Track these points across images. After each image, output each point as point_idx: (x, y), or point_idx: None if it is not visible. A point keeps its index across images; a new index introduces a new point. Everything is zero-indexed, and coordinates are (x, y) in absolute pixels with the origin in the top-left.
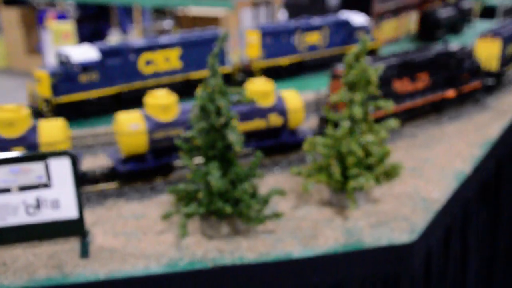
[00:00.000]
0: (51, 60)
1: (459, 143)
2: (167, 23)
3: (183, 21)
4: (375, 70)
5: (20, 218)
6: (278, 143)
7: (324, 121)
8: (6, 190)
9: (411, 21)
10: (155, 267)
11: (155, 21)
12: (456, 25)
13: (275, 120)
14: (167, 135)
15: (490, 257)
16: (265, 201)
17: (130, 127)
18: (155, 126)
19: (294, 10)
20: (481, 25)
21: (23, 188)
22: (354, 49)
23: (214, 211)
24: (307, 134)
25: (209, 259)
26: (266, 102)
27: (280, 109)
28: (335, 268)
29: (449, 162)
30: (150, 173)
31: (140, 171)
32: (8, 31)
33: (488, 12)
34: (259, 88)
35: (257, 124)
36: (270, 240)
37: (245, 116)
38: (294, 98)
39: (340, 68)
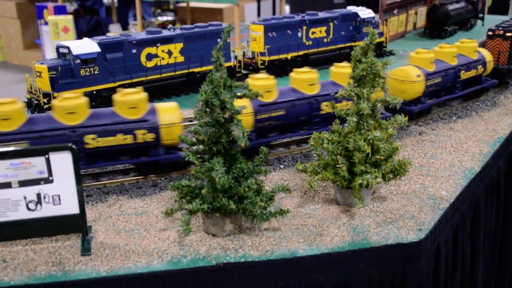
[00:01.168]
0: (50, 54)
1: (468, 140)
2: (169, 16)
3: (185, 14)
4: (383, 64)
5: (21, 213)
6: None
7: None
8: (7, 185)
9: (419, 15)
10: (157, 264)
11: (157, 14)
12: (467, 20)
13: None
14: None
15: (500, 256)
16: (270, 198)
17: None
18: None
19: (298, 4)
20: (494, 19)
21: (24, 183)
22: (361, 43)
23: (218, 207)
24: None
25: (212, 257)
26: None
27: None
28: (341, 266)
29: (458, 159)
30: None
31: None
32: (5, 24)
33: (500, 7)
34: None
35: None
36: (274, 238)
37: None
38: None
39: (498, 28)
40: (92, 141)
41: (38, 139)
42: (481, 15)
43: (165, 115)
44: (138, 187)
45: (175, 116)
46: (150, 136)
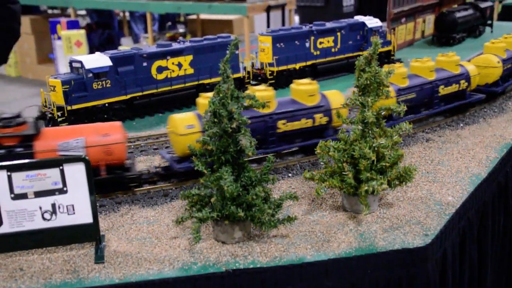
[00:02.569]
0: (64, 68)
1: (474, 146)
2: (180, 28)
3: (195, 26)
4: (387, 73)
5: (37, 223)
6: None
7: None
8: (23, 196)
9: (427, 23)
10: (169, 271)
11: (168, 27)
12: (475, 27)
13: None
14: None
15: (509, 261)
16: (278, 206)
17: None
18: None
19: (307, 14)
20: (504, 26)
21: (39, 194)
22: (365, 52)
23: (227, 215)
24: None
25: (222, 263)
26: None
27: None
28: (348, 271)
29: (465, 165)
30: None
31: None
32: (20, 40)
33: (510, 14)
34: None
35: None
36: (283, 244)
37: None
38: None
39: None
40: None
41: None
42: (489, 22)
43: (334, 99)
44: (150, 196)
45: (341, 99)
46: (324, 120)
